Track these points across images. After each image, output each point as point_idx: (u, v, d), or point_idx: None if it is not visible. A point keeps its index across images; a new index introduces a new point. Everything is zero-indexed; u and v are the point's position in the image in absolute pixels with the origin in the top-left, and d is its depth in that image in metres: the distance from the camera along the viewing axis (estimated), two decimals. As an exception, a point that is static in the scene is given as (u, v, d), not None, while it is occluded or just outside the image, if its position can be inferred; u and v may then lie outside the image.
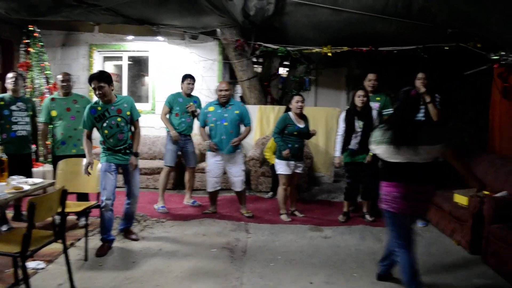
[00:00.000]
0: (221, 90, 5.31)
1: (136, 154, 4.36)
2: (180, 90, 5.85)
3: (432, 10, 5.39)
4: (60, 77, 4.99)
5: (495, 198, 4.09)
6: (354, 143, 5.10)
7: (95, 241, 4.35)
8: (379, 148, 3.13)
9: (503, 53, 5.30)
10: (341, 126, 5.21)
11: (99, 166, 4.26)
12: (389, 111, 5.29)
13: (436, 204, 5.02)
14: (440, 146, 2.96)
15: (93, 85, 4.01)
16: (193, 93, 5.90)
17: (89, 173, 4.10)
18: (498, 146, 5.54)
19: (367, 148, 4.25)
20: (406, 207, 3.04)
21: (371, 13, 5.84)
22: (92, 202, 4.30)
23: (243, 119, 5.36)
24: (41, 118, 5.02)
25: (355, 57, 7.86)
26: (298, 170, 5.38)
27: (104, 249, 4.12)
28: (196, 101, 5.87)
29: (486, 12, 4.65)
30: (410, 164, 3.00)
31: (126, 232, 4.59)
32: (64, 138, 4.92)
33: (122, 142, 4.24)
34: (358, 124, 5.06)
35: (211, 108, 5.36)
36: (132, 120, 4.32)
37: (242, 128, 5.41)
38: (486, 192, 4.52)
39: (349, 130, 5.08)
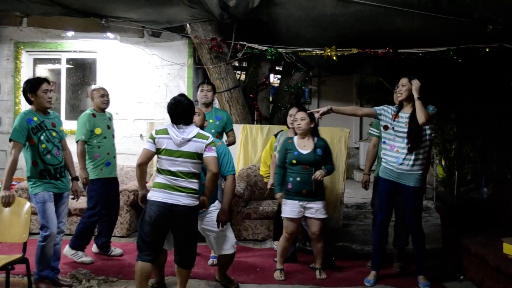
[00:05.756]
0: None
1: (77, 179, 4.95)
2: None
3: (468, 0, 5.49)
4: None
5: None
6: None
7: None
8: None
9: None
10: None
11: (26, 205, 4.32)
12: None
13: (477, 255, 4.99)
14: None
15: (44, 87, 4.50)
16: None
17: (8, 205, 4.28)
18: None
19: None
20: None
21: (388, 4, 5.91)
22: (15, 256, 4.18)
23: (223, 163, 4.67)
24: None
25: (368, 61, 7.95)
26: (311, 214, 5.11)
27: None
28: (220, 117, 5.70)
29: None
30: None
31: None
32: None
33: (59, 160, 4.63)
34: None
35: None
36: (61, 139, 4.76)
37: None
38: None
39: None
